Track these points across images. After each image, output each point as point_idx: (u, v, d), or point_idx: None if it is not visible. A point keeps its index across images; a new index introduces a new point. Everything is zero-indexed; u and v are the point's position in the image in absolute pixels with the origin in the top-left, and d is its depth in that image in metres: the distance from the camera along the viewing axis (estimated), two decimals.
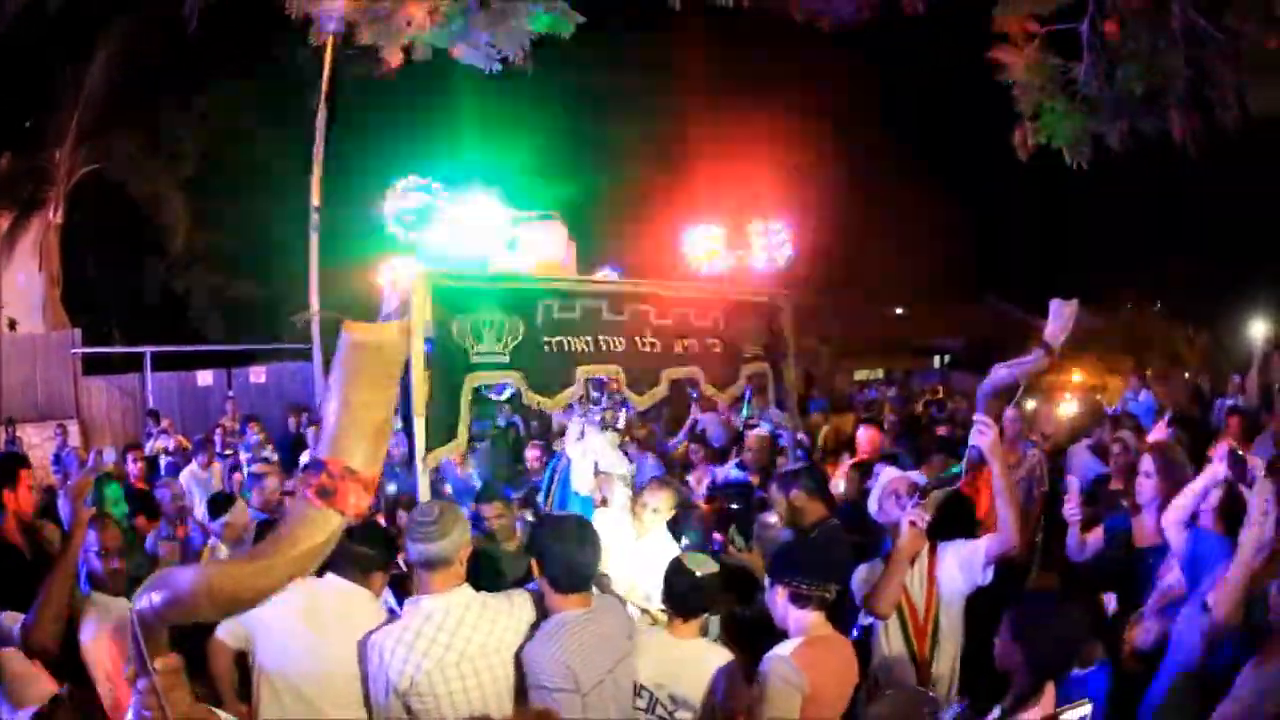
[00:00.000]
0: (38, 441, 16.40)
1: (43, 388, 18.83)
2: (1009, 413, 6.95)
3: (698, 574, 3.96)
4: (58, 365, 19.21)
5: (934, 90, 23.61)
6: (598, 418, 6.10)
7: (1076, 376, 14.83)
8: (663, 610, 4.27)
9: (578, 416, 6.18)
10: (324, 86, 13.04)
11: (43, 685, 3.03)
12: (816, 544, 4.92)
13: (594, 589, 3.94)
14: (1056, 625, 3.42)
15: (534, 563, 3.81)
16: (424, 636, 3.55)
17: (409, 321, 4.77)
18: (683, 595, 4.01)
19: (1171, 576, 4.78)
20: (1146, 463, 5.38)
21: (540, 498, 6.97)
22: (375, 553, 4.07)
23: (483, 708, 3.54)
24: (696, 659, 3.94)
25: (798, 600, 3.87)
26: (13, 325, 20.67)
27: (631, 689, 3.85)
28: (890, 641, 4.62)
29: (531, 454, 9.37)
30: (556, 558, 3.73)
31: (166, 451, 12.05)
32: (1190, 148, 5.83)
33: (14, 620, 3.80)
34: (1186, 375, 20.48)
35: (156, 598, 2.00)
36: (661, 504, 5.59)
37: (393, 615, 3.91)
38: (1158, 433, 7.61)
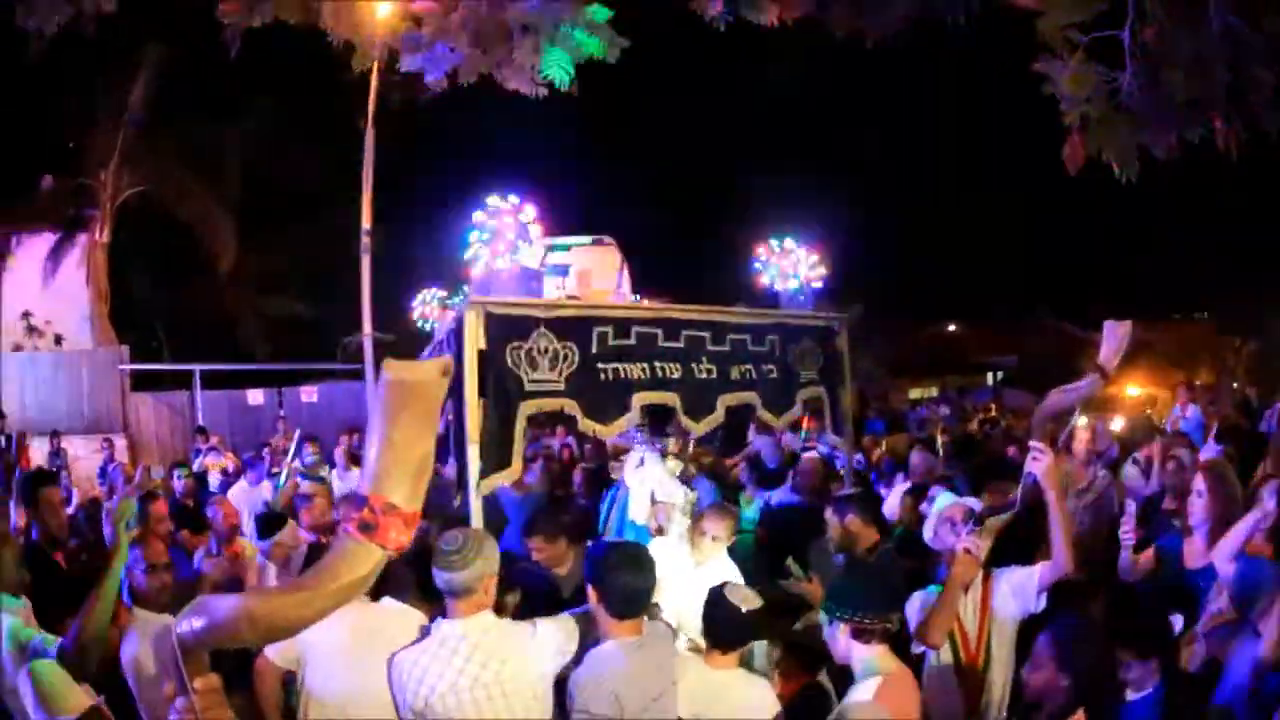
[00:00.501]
0: (84, 454, 16.62)
1: (90, 402, 19.16)
2: (1080, 432, 6.81)
3: (743, 610, 3.88)
4: (105, 380, 19.54)
5: (978, 103, 23.51)
6: (659, 446, 6.05)
7: (1128, 391, 14.70)
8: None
9: (639, 444, 6.16)
10: (371, 107, 13.15)
11: (78, 696, 3.08)
12: (873, 574, 4.85)
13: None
14: (1098, 648, 3.42)
15: (591, 588, 3.81)
16: (439, 660, 3.60)
17: (448, 359, 4.76)
18: (723, 628, 3.94)
19: (1221, 599, 4.75)
20: (1199, 482, 5.35)
21: (599, 526, 6.96)
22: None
23: None
24: (734, 690, 3.89)
25: (861, 635, 3.70)
26: (58, 340, 20.98)
27: (674, 719, 3.81)
28: (941, 668, 4.59)
29: (578, 478, 9.42)
30: (613, 583, 3.74)
31: (225, 472, 12.05)
32: (1233, 155, 5.76)
33: (51, 644, 3.86)
34: (1235, 385, 20.23)
35: (198, 623, 2.05)
36: (721, 531, 5.48)
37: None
38: (1208, 450, 7.54)
